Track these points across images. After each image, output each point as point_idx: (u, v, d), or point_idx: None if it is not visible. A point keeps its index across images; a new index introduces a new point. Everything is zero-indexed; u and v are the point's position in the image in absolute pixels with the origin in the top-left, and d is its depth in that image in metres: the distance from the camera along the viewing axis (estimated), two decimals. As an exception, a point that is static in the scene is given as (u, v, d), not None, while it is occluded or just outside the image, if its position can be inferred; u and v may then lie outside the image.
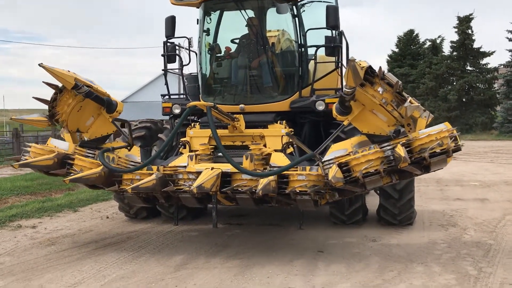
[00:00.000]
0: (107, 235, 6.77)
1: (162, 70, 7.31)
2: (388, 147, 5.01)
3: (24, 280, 4.88)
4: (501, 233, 6.48)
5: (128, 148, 6.25)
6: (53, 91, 5.67)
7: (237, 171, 5.30)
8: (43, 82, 5.55)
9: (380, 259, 5.34)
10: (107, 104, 5.79)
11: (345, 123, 5.24)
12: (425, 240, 6.18)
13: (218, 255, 5.65)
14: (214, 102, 6.09)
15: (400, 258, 5.37)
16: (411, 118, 4.96)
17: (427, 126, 5.01)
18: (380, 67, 4.86)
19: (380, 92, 4.87)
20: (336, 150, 5.36)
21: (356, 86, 4.75)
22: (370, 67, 4.81)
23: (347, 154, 5.17)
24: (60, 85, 5.55)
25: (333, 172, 4.92)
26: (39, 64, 5.22)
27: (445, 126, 5.00)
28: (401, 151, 4.77)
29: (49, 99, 5.71)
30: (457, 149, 4.97)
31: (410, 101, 4.78)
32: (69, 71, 5.40)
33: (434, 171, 5.26)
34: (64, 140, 6.04)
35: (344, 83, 4.85)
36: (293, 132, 6.45)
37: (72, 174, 5.62)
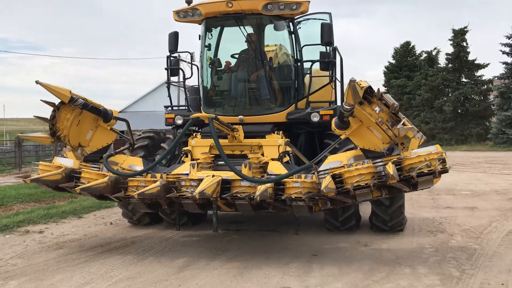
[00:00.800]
0: (112, 239, 7.09)
1: (166, 82, 7.70)
2: (380, 164, 5.32)
3: (36, 280, 5.20)
4: (486, 238, 6.83)
5: (131, 148, 6.61)
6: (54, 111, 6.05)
7: (236, 178, 5.65)
8: (41, 100, 5.96)
9: (370, 262, 5.68)
10: (103, 114, 6.19)
11: (342, 137, 5.56)
12: (414, 245, 6.52)
13: (218, 258, 5.98)
14: (214, 114, 6.47)
15: (389, 261, 5.71)
16: (405, 138, 5.27)
17: (420, 146, 5.30)
18: (379, 89, 5.18)
19: (377, 112, 5.17)
20: (332, 162, 5.70)
21: (354, 104, 5.07)
22: (369, 87, 5.12)
23: (341, 166, 5.50)
24: (56, 102, 5.93)
25: (326, 182, 5.25)
26: (36, 82, 5.62)
27: (435, 148, 5.31)
28: (391, 168, 5.07)
29: (49, 117, 6.08)
30: (444, 171, 5.23)
31: (404, 123, 5.07)
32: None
33: (422, 189, 5.60)
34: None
35: (344, 100, 5.15)
36: (289, 142, 6.80)
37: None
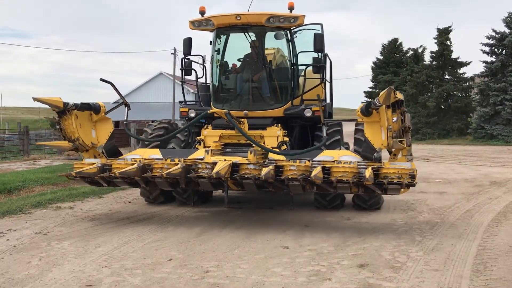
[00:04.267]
0: (134, 214, 8.37)
1: (180, 81, 8.96)
2: (363, 166, 6.63)
3: (84, 241, 6.47)
4: (448, 215, 8.25)
5: (127, 107, 7.81)
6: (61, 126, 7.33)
7: (244, 162, 6.96)
8: (43, 117, 7.20)
9: (351, 230, 7.04)
10: (94, 108, 7.51)
11: (359, 120, 6.82)
12: (388, 219, 7.90)
13: (227, 227, 7.30)
14: (223, 109, 7.76)
15: (366, 230, 7.08)
16: (398, 151, 6.48)
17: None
18: (405, 108, 6.25)
19: (393, 121, 6.24)
20: (326, 155, 7.07)
21: (383, 104, 6.15)
22: (401, 101, 6.18)
23: (332, 161, 6.84)
24: (56, 117, 7.21)
25: (316, 172, 6.56)
26: (33, 98, 6.84)
27: (410, 165, 6.53)
28: (368, 173, 6.37)
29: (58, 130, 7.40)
30: (411, 185, 6.44)
31: (402, 141, 6.21)
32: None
33: (391, 194, 6.94)
34: None
35: (379, 96, 6.09)
36: (286, 134, 8.13)
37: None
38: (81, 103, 7.29)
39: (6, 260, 5.59)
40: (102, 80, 7.64)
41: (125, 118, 7.86)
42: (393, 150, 6.54)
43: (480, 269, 5.19)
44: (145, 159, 7.39)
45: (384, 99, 5.97)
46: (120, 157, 7.68)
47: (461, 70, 38.69)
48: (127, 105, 7.80)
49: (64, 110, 7.02)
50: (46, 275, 5.04)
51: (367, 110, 6.54)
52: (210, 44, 8.75)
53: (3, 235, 6.78)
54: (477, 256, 5.68)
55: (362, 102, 8.38)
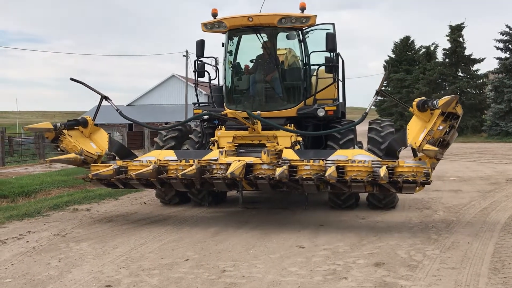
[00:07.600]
0: (150, 215, 8.46)
1: (194, 83, 9.02)
2: (377, 165, 6.63)
3: (101, 242, 6.56)
4: (463, 213, 8.19)
5: (107, 99, 8.00)
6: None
7: (258, 162, 7.00)
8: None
9: (366, 230, 7.03)
10: (81, 123, 7.84)
11: (410, 109, 6.79)
12: (403, 218, 7.87)
13: (242, 227, 7.34)
14: (236, 110, 7.81)
15: (381, 229, 7.07)
16: (425, 157, 6.49)
17: None
18: (457, 124, 6.29)
19: (438, 128, 6.30)
20: (340, 155, 7.08)
21: (440, 108, 6.16)
22: (457, 115, 6.27)
23: (346, 160, 6.85)
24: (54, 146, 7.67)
25: (330, 171, 6.56)
26: (23, 128, 7.12)
27: (425, 163, 6.54)
28: (383, 171, 6.36)
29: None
30: (426, 183, 6.45)
31: (433, 150, 6.20)
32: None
33: (406, 193, 6.90)
34: None
35: (440, 99, 6.12)
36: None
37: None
38: (68, 120, 7.71)
39: (26, 261, 5.70)
40: (72, 79, 7.89)
41: (115, 108, 8.08)
42: (419, 154, 6.52)
43: (498, 267, 5.16)
44: (160, 160, 7.46)
45: (444, 103, 5.99)
46: (135, 159, 7.79)
47: (475, 67, 38.34)
48: (106, 97, 8.03)
49: (56, 134, 7.46)
50: (66, 276, 5.13)
51: (423, 106, 6.53)
52: (223, 46, 8.80)
53: (22, 237, 6.90)
54: (494, 254, 5.64)
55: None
